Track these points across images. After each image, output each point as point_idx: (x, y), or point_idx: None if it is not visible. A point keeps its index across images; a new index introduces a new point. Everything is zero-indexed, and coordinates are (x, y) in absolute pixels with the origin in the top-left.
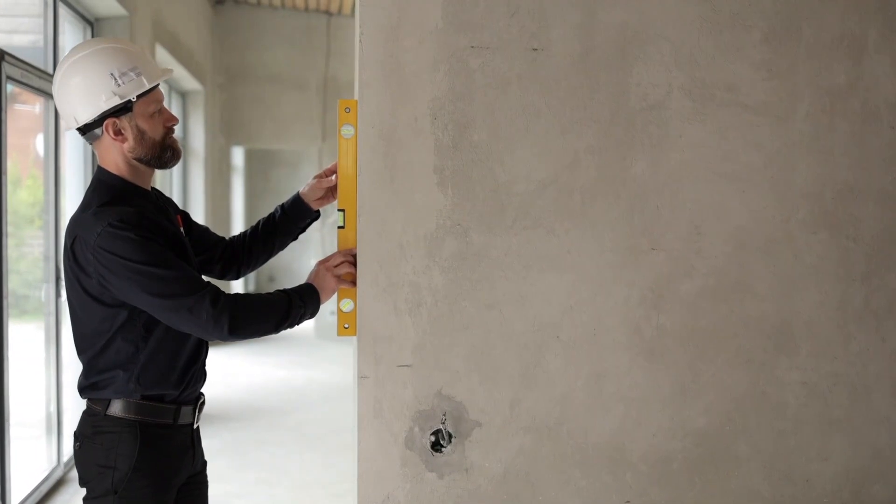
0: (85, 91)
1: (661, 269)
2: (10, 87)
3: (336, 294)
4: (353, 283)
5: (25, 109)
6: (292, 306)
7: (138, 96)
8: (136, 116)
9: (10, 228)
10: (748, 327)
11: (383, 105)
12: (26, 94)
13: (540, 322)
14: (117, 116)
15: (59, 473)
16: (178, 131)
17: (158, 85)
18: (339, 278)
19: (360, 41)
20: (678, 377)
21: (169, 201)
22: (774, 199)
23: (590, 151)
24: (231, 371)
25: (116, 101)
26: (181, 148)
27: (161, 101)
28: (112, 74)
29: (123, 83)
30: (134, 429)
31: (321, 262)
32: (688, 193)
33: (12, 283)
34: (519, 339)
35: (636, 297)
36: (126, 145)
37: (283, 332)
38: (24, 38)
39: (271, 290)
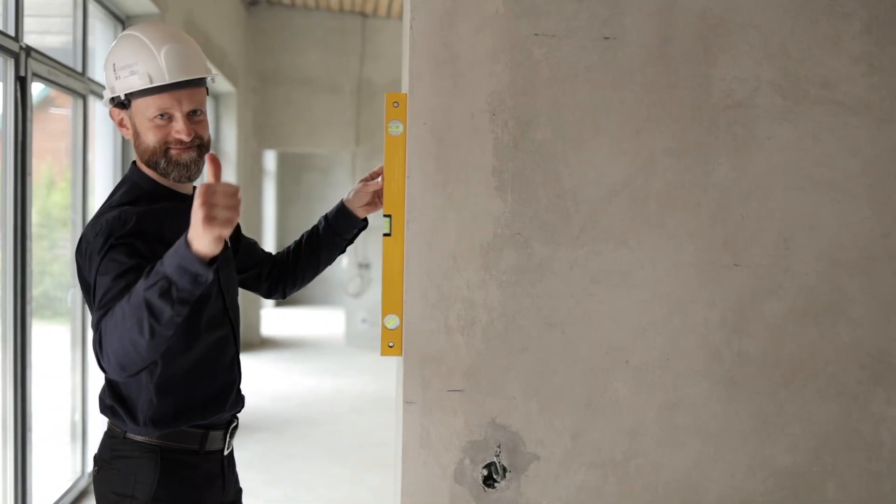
0: (104, 75)
1: (745, 287)
2: (45, 92)
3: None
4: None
5: (60, 113)
6: (156, 292)
7: (128, 95)
8: (133, 115)
9: (43, 231)
10: (841, 355)
11: (436, 99)
12: (62, 98)
13: (608, 344)
14: (121, 108)
15: (83, 483)
16: (211, 134)
17: (173, 89)
18: (211, 217)
19: (411, 28)
20: (761, 409)
21: None
22: (873, 211)
23: (667, 153)
24: (258, 378)
25: (110, 94)
26: (193, 164)
27: (171, 108)
28: (113, 66)
29: (119, 77)
30: (155, 454)
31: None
32: (776, 202)
33: (45, 285)
34: (584, 363)
35: (716, 319)
36: (131, 140)
37: (314, 339)
38: (55, 38)
39: None
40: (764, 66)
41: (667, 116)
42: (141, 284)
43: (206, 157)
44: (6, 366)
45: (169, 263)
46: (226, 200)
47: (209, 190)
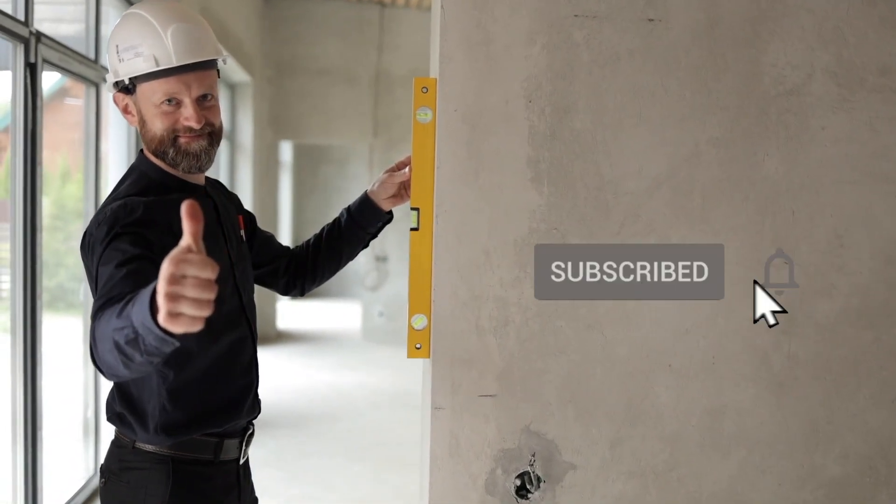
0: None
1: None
2: (60, 82)
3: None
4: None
5: (75, 104)
6: (123, 338)
7: (133, 79)
8: (139, 101)
9: (58, 223)
10: None
11: (468, 84)
12: (77, 88)
13: (648, 347)
14: (125, 93)
15: (96, 482)
16: (226, 125)
17: (181, 72)
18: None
19: (443, 7)
20: (810, 416)
21: (231, 198)
22: None
23: (713, 144)
24: (274, 373)
25: (113, 78)
26: (203, 153)
27: (179, 93)
28: (116, 47)
29: (123, 60)
30: (166, 465)
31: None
32: (829, 197)
33: (60, 278)
34: (623, 366)
35: (764, 320)
36: (137, 128)
37: (330, 333)
38: (69, 27)
39: None
40: (818, 51)
41: (713, 104)
42: (113, 320)
43: (183, 206)
44: (16, 360)
45: (136, 313)
46: (196, 292)
47: (177, 272)
